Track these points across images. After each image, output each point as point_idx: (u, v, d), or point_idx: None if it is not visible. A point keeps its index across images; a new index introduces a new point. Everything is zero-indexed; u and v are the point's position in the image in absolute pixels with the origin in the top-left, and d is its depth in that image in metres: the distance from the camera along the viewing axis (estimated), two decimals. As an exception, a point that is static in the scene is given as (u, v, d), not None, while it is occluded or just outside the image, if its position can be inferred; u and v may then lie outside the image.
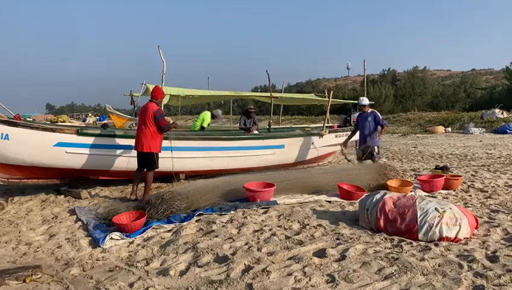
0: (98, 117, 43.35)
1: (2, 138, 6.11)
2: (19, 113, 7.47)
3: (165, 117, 6.83)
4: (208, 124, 10.65)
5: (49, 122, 17.12)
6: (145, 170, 6.57)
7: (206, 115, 10.65)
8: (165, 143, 6.83)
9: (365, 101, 8.82)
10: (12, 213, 6.07)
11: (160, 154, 6.61)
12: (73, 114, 67.24)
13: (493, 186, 7.18)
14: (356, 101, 16.33)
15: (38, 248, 4.52)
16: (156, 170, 6.60)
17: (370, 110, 8.76)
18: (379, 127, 8.53)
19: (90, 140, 6.86)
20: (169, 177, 7.53)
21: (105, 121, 18.84)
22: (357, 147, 10.77)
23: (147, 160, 6.52)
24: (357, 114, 11.57)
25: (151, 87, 8.41)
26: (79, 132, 6.83)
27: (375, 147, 8.57)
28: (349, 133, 10.05)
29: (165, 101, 8.63)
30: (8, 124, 6.19)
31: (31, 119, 22.88)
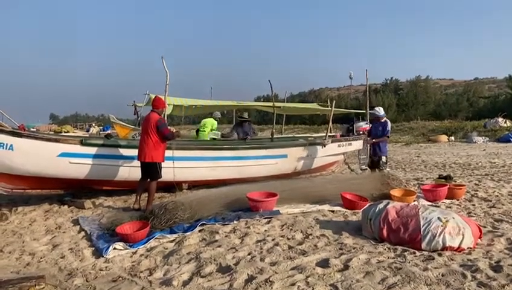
0: (101, 127, 43.48)
1: (6, 149, 6.14)
2: (23, 123, 7.52)
3: (168, 127, 6.87)
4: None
5: (52, 133, 17.20)
6: (148, 180, 6.59)
7: (213, 121, 10.66)
8: (167, 153, 6.85)
9: (381, 112, 8.74)
10: (16, 223, 6.09)
11: (162, 164, 6.63)
12: (76, 124, 67.38)
13: (497, 196, 7.15)
14: (359, 111, 16.31)
15: (41, 258, 4.53)
16: (159, 179, 6.61)
17: (384, 119, 8.73)
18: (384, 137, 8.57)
19: (93, 150, 6.89)
20: (172, 187, 7.54)
21: (108, 131, 18.90)
22: (359, 156, 10.84)
23: (150, 170, 6.54)
24: (361, 123, 11.64)
25: (154, 97, 8.49)
26: (83, 142, 6.86)
27: (383, 157, 8.59)
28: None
29: (168, 111, 8.69)
30: (12, 135, 6.23)
31: (35, 129, 23.00)
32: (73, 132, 36.39)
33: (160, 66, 7.79)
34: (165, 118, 8.32)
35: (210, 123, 10.66)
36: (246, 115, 10.91)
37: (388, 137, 8.67)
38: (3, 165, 6.22)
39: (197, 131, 10.94)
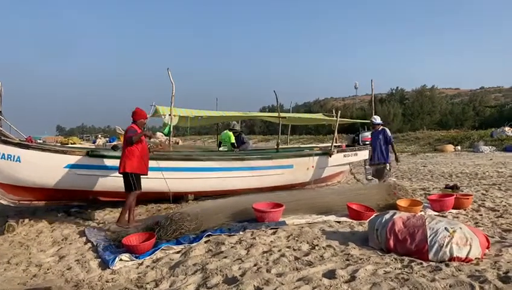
0: (107, 138, 43.69)
1: (13, 160, 6.20)
2: (30, 135, 7.57)
3: (152, 132, 6.70)
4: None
5: (59, 144, 17.31)
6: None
7: (230, 134, 10.74)
8: (174, 164, 6.86)
9: (377, 119, 8.96)
10: (23, 235, 6.12)
11: (168, 175, 6.62)
12: (83, 135, 67.78)
13: (504, 205, 7.10)
14: (364, 121, 16.39)
15: (48, 269, 4.54)
16: (138, 192, 6.27)
17: (381, 127, 8.85)
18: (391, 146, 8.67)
19: (100, 162, 6.94)
20: (178, 198, 7.55)
21: (115, 143, 18.97)
22: (365, 166, 10.86)
23: (125, 181, 6.28)
24: (367, 133, 11.72)
25: (160, 108, 8.54)
26: (89, 153, 6.91)
27: (387, 165, 8.63)
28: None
29: (174, 122, 8.73)
30: (19, 147, 6.29)
31: (41, 140, 23.15)
32: (80, 144, 36.60)
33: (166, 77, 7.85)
34: (171, 128, 8.38)
35: (228, 135, 10.76)
36: (237, 127, 11.01)
37: (392, 144, 8.75)
38: (11, 176, 6.27)
39: (219, 143, 11.16)
